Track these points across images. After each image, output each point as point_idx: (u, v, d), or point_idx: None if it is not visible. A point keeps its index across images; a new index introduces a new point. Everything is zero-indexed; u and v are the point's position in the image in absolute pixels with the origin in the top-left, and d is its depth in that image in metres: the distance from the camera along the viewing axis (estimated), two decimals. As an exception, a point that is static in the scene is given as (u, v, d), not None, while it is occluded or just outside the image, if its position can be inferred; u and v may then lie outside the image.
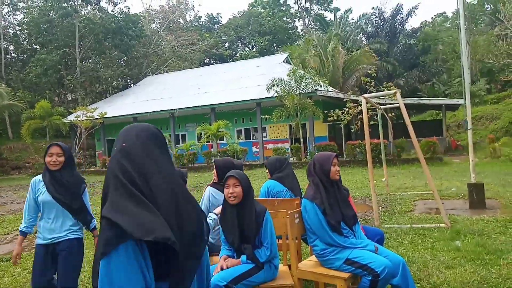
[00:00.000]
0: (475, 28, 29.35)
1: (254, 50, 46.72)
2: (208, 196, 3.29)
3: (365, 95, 6.15)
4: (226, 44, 49.55)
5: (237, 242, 2.69)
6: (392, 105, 9.53)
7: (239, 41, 50.51)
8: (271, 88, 18.91)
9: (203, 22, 52.87)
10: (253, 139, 24.50)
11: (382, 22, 35.50)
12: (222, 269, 2.58)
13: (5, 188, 16.48)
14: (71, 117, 25.92)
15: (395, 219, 6.13)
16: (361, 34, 37.42)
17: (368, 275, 2.58)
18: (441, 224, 5.44)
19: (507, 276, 3.49)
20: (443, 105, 20.50)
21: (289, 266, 2.99)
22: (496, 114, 22.52)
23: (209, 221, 3.05)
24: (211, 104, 22.92)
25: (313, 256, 3.08)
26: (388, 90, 13.14)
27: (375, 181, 6.26)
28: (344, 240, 2.78)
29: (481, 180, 7.63)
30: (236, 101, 22.24)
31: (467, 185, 6.81)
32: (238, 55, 47.17)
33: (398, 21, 35.12)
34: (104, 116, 24.71)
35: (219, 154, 19.20)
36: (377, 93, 7.26)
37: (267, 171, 4.15)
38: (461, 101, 19.43)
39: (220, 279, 2.47)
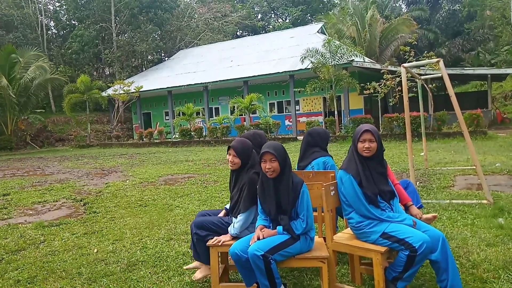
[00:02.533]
0: (529, -9, 26.92)
1: (287, 21, 45.54)
2: None
3: (405, 65, 5.88)
4: (259, 16, 48.60)
5: (273, 212, 2.72)
6: (433, 75, 9.05)
7: (272, 11, 49.34)
8: (305, 59, 18.49)
9: (236, -7, 51.90)
10: (286, 112, 24.34)
11: (424, -13, 33.42)
12: (258, 239, 2.63)
13: (51, 159, 17.48)
14: (109, 91, 26.78)
15: (433, 194, 5.96)
16: (400, 0, 35.50)
17: (405, 250, 2.54)
18: (483, 201, 5.23)
19: (555, 255, 3.34)
20: (489, 75, 19.26)
21: (324, 239, 3.00)
22: (548, 85, 20.96)
23: None
24: (243, 77, 22.85)
25: (348, 229, 3.06)
26: (429, 59, 12.48)
27: (413, 156, 6.08)
28: (381, 213, 2.73)
29: (529, 155, 7.21)
30: (269, 74, 22.03)
31: (513, 160, 6.46)
32: (271, 27, 46.21)
33: (442, -15, 32.93)
34: (140, 90, 25.32)
35: (252, 127, 19.26)
36: (418, 62, 6.91)
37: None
38: (509, 71, 18.21)
39: (257, 249, 2.52)
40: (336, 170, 3.64)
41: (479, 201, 5.27)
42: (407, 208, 3.09)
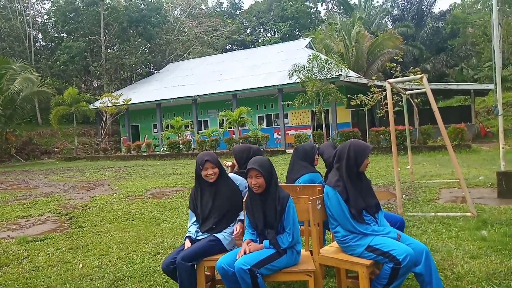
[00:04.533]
0: (508, 10, 27.92)
1: (276, 35, 46.20)
2: None
3: (390, 80, 6.01)
4: (248, 30, 49.18)
5: (260, 227, 2.74)
6: (418, 91, 9.28)
7: (261, 26, 50.01)
8: (293, 74, 18.73)
9: (225, 8, 52.58)
10: (274, 125, 24.48)
11: (409, 5, 34.38)
12: (245, 253, 2.64)
13: (36, 172, 17.18)
14: (97, 104, 26.60)
15: (419, 207, 6.05)
16: (386, 17, 36.44)
17: (389, 263, 2.58)
18: (467, 213, 5.33)
19: (536, 266, 3.41)
20: (472, 90, 19.77)
21: (311, 252, 3.02)
22: (529, 100, 21.57)
23: None
24: (232, 91, 23.00)
25: (335, 242, 3.09)
26: (414, 75, 12.78)
27: (399, 169, 6.18)
28: (365, 228, 2.77)
29: (511, 168, 7.38)
30: (258, 87, 22.22)
31: (496, 174, 6.61)
32: (260, 41, 46.80)
33: (426, 3, 33.93)
34: (129, 103, 25.22)
35: (241, 141, 19.30)
36: (402, 78, 7.09)
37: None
38: (491, 86, 18.72)
39: (244, 263, 2.53)
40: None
41: (463, 213, 5.37)
42: None
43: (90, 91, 33.51)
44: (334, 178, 2.90)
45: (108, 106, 24.89)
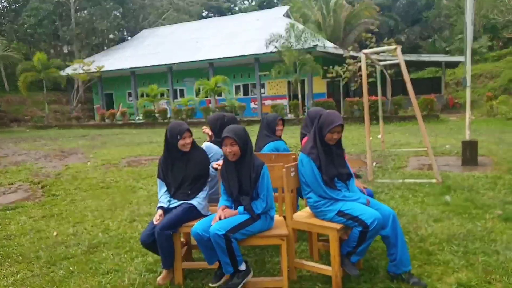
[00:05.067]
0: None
1: (254, 3, 45.02)
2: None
3: (365, 51, 6.07)
4: (225, -4, 47.63)
5: (235, 193, 2.80)
6: (391, 62, 9.38)
7: (238, -8, 48.54)
8: (270, 43, 18.50)
9: (201, -28, 50.45)
10: (251, 95, 24.35)
11: (387, -26, 34.01)
12: (220, 219, 2.70)
13: (6, 140, 16.58)
14: (68, 70, 25.53)
15: (388, 174, 6.29)
16: (364, -14, 35.96)
17: (358, 226, 2.71)
18: (433, 180, 5.60)
19: (492, 229, 3.67)
20: (443, 62, 20.21)
21: (285, 217, 3.13)
22: (496, 72, 22.25)
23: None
24: (209, 59, 22.54)
25: (307, 208, 3.21)
26: (388, 46, 12.88)
27: (371, 138, 6.35)
28: (337, 194, 2.88)
29: (476, 137, 7.73)
30: (235, 56, 21.85)
31: (461, 143, 6.92)
32: (237, 8, 45.54)
33: (404, -27, 33.67)
34: (101, 70, 24.34)
35: (217, 110, 19.16)
36: (377, 48, 7.14)
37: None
38: (461, 59, 19.14)
39: (219, 228, 2.60)
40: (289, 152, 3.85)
41: (429, 180, 5.64)
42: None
43: (60, 57, 32.04)
44: (309, 145, 2.96)
45: (80, 73, 23.97)
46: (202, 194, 3.10)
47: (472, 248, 3.27)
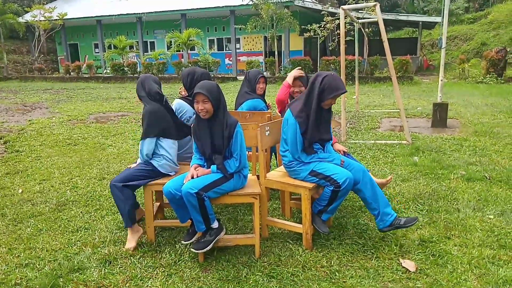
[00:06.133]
0: None
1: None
2: (175, 109, 3.24)
3: (344, 6, 5.91)
4: None
5: (208, 152, 2.73)
6: (370, 20, 9.27)
7: None
8: (246, -6, 17.75)
9: None
10: (226, 50, 23.67)
11: None
12: (192, 177, 2.65)
13: (-39, 92, 15.54)
14: (27, 17, 23.73)
15: (361, 135, 6.39)
16: None
17: (330, 186, 2.75)
18: (403, 141, 5.74)
19: (455, 189, 3.83)
20: (420, 23, 20.18)
21: (258, 177, 3.12)
22: (470, 35, 22.54)
23: None
24: (181, 10, 21.48)
25: (281, 167, 3.21)
26: (367, 3, 12.65)
27: (346, 98, 6.36)
28: (311, 157, 2.87)
29: (447, 100, 7.91)
30: (209, 8, 20.92)
31: (432, 105, 7.06)
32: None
33: None
34: (64, 17, 22.78)
35: (190, 65, 18.59)
36: (356, 5, 6.98)
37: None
38: (438, 19, 19.18)
39: (191, 187, 2.55)
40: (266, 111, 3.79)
41: (400, 141, 5.78)
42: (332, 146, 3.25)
43: (18, 1, 29.58)
44: (298, 107, 2.88)
45: (41, 21, 22.33)
46: (160, 152, 3.02)
47: (436, 207, 3.42)
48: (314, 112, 2.83)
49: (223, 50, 23.75)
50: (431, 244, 2.79)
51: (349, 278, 2.42)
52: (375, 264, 2.56)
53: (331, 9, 16.15)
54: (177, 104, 3.30)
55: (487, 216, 3.22)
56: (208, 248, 2.62)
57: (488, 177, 4.12)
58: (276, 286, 2.36)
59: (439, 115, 6.82)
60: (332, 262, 2.60)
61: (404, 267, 2.51)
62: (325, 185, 2.79)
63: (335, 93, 2.78)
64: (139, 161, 3.12)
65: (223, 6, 20.45)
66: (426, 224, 3.11)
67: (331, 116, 3.05)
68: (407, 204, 3.50)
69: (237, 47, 22.10)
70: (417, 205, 3.48)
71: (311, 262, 2.61)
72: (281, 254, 2.71)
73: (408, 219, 2.81)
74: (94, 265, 2.62)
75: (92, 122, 8.06)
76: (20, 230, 3.18)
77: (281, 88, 3.59)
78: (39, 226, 3.24)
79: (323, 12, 16.57)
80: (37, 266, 2.62)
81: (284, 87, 3.55)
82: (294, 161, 2.89)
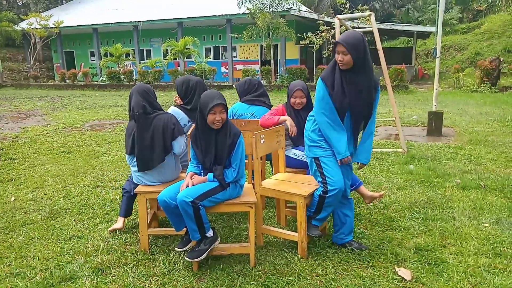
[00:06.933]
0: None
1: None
2: None
3: (339, 16, 5.95)
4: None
5: (209, 162, 2.71)
6: (365, 29, 9.33)
7: None
8: (242, 3, 17.87)
9: None
10: (222, 58, 23.76)
11: None
12: (188, 186, 2.63)
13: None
14: (23, 25, 23.73)
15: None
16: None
17: (321, 186, 2.72)
18: (399, 149, 5.75)
19: (451, 197, 3.84)
20: (415, 32, 20.38)
21: (253, 185, 3.10)
22: (464, 45, 22.79)
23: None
24: (178, 18, 21.57)
25: (276, 175, 3.21)
26: (362, 13, 12.77)
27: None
28: (338, 131, 2.67)
29: (442, 109, 7.95)
30: (206, 16, 21.03)
31: (427, 113, 7.10)
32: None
33: None
34: (61, 25, 22.81)
35: (186, 73, 18.62)
36: (351, 14, 7.04)
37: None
38: (433, 29, 19.39)
39: (186, 195, 2.53)
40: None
41: (395, 149, 5.79)
42: None
43: (14, 9, 29.62)
44: (327, 70, 2.79)
45: (37, 28, 22.35)
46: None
47: (432, 215, 3.41)
48: (339, 72, 2.69)
49: (219, 59, 23.84)
50: (426, 252, 2.78)
51: (345, 287, 2.40)
52: (371, 273, 2.54)
53: (326, 19, 16.26)
54: (172, 111, 3.29)
55: (482, 224, 3.22)
56: (203, 257, 2.59)
57: (483, 186, 4.13)
58: (271, 296, 2.33)
59: (434, 124, 6.85)
60: (328, 270, 2.57)
61: (400, 276, 2.49)
62: (318, 181, 2.78)
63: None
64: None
65: (219, 15, 20.58)
66: (422, 232, 3.10)
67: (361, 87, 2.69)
68: (403, 213, 3.49)
69: (233, 55, 22.20)
70: (413, 213, 3.48)
71: (307, 270, 2.58)
72: (276, 263, 2.69)
73: (360, 246, 2.85)
74: (87, 274, 2.58)
75: (87, 130, 8.02)
76: (11, 238, 3.13)
77: (270, 119, 3.50)
78: (31, 234, 3.19)
79: (318, 22, 16.68)
80: (28, 275, 2.58)
81: (273, 120, 3.47)
82: (312, 133, 2.81)
